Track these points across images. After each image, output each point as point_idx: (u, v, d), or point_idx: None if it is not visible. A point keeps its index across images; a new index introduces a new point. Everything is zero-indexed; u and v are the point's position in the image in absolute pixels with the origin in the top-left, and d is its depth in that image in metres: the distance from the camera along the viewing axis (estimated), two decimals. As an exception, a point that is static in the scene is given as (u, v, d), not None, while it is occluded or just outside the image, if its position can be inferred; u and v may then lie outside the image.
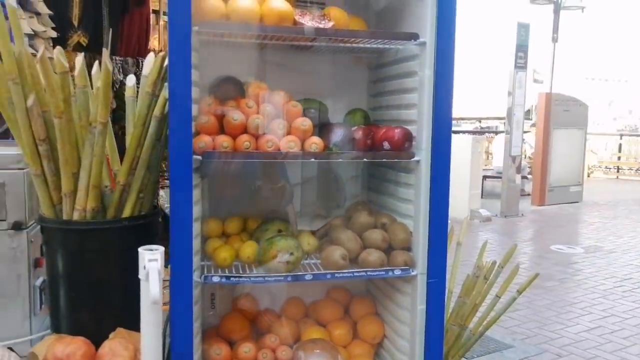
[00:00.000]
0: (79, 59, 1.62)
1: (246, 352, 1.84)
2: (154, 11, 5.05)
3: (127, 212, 1.75)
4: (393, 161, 1.97)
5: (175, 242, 1.60)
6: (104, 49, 1.56)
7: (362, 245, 1.90)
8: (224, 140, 1.68)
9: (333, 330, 2.07)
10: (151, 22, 4.77)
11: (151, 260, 1.18)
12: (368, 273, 1.84)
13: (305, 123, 1.76)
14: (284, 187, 2.11)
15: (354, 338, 2.10)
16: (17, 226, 1.86)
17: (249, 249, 1.85)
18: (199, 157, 1.64)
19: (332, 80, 2.17)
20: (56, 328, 1.79)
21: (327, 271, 1.81)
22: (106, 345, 1.46)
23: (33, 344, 1.80)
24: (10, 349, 1.70)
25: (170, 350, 1.64)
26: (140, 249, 1.23)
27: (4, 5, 1.57)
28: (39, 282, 1.94)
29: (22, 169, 1.81)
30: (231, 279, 1.72)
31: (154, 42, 5.08)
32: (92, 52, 3.52)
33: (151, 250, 1.22)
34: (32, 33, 2.74)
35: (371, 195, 2.26)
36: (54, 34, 3.29)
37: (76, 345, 1.43)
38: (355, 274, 1.83)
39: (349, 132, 1.87)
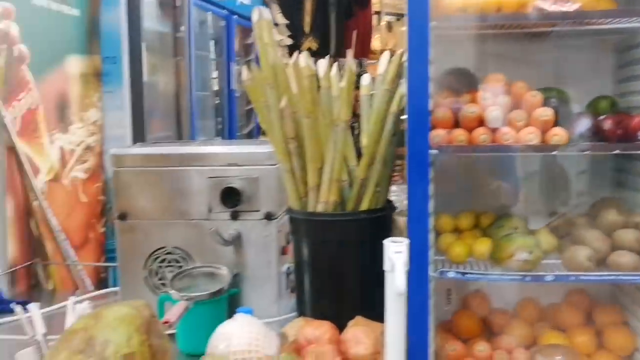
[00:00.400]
0: (323, 62, 1.74)
1: (481, 350, 1.80)
2: (376, 12, 5.22)
3: (364, 206, 1.83)
4: (650, 153, 1.75)
5: (412, 236, 1.63)
6: (347, 52, 1.66)
7: (610, 246, 1.73)
8: (459, 134, 1.66)
9: (574, 337, 1.92)
10: (373, 23, 4.95)
11: (397, 252, 1.22)
12: (619, 277, 1.67)
13: (546, 113, 1.66)
14: (515, 182, 2.02)
15: (598, 348, 1.92)
16: (269, 217, 2.06)
17: (483, 245, 1.80)
18: (435, 152, 1.65)
19: (572, 67, 2.01)
20: (301, 312, 1.96)
21: (571, 273, 1.68)
22: (349, 332, 1.55)
23: (280, 325, 1.98)
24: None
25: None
26: (385, 241, 1.28)
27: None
28: (284, 268, 2.14)
29: (273, 164, 2.01)
30: (466, 275, 1.69)
31: (374, 43, 5.26)
32: (321, 56, 3.76)
33: (396, 242, 1.26)
34: (274, 42, 3.03)
35: (619, 192, 2.04)
36: (289, 42, 3.60)
37: (324, 329, 1.54)
38: (604, 277, 1.67)
39: (595, 122, 1.71)
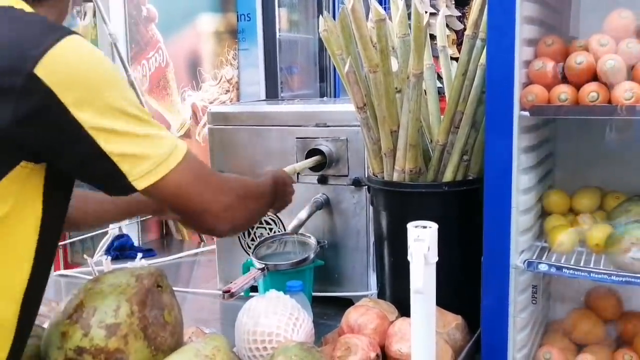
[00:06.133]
0: (401, 4, 1.47)
1: (585, 364, 1.44)
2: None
3: (448, 176, 1.55)
4: None
5: (487, 216, 1.33)
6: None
7: None
8: (562, 92, 1.29)
9: None
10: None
11: (417, 241, 0.96)
12: None
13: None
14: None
15: None
16: (357, 183, 1.87)
17: (599, 233, 1.41)
18: (526, 113, 1.30)
19: None
20: (381, 290, 1.76)
21: None
22: (397, 324, 1.33)
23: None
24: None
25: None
26: (409, 225, 1.02)
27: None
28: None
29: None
30: (564, 270, 1.34)
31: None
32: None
33: (420, 227, 1.00)
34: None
35: None
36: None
37: (369, 317, 1.33)
38: None
39: None
